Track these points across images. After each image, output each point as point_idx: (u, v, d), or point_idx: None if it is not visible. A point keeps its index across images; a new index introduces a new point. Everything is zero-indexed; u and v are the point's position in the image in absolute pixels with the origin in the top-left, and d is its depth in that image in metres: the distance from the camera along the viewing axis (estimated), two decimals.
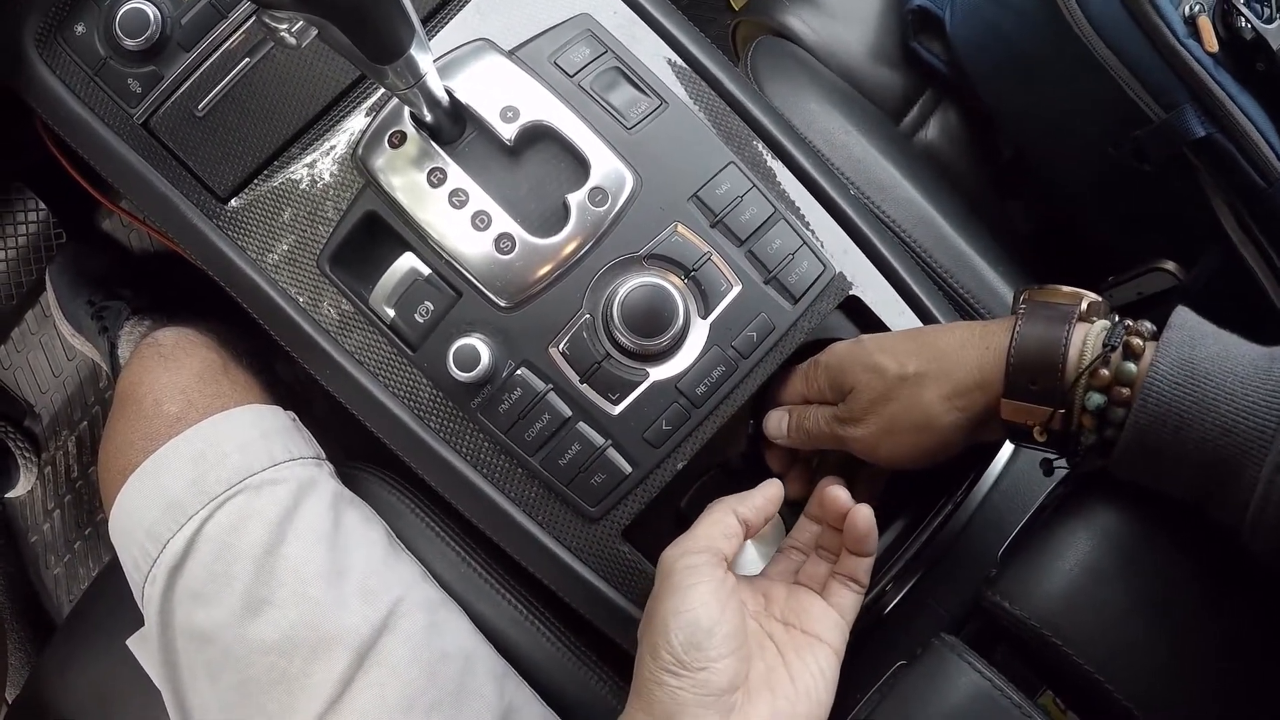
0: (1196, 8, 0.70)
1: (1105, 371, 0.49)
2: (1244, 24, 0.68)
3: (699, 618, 0.49)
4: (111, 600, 0.86)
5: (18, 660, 1.29)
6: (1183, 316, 0.50)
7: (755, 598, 0.56)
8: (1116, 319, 0.52)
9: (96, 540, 1.35)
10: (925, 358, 0.56)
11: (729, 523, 0.54)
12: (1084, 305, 0.53)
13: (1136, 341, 0.49)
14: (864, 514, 0.55)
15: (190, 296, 1.00)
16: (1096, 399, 0.49)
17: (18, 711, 0.89)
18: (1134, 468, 0.50)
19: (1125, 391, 0.48)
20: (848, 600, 0.56)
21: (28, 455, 1.34)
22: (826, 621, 0.55)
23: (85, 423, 1.36)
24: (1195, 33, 0.70)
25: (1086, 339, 0.51)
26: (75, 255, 1.24)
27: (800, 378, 0.64)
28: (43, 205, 1.26)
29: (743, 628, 0.51)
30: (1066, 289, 0.55)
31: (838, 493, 0.56)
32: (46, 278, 1.26)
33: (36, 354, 1.35)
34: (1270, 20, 0.68)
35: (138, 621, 0.81)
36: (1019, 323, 0.53)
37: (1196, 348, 0.47)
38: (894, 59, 0.93)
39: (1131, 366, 0.48)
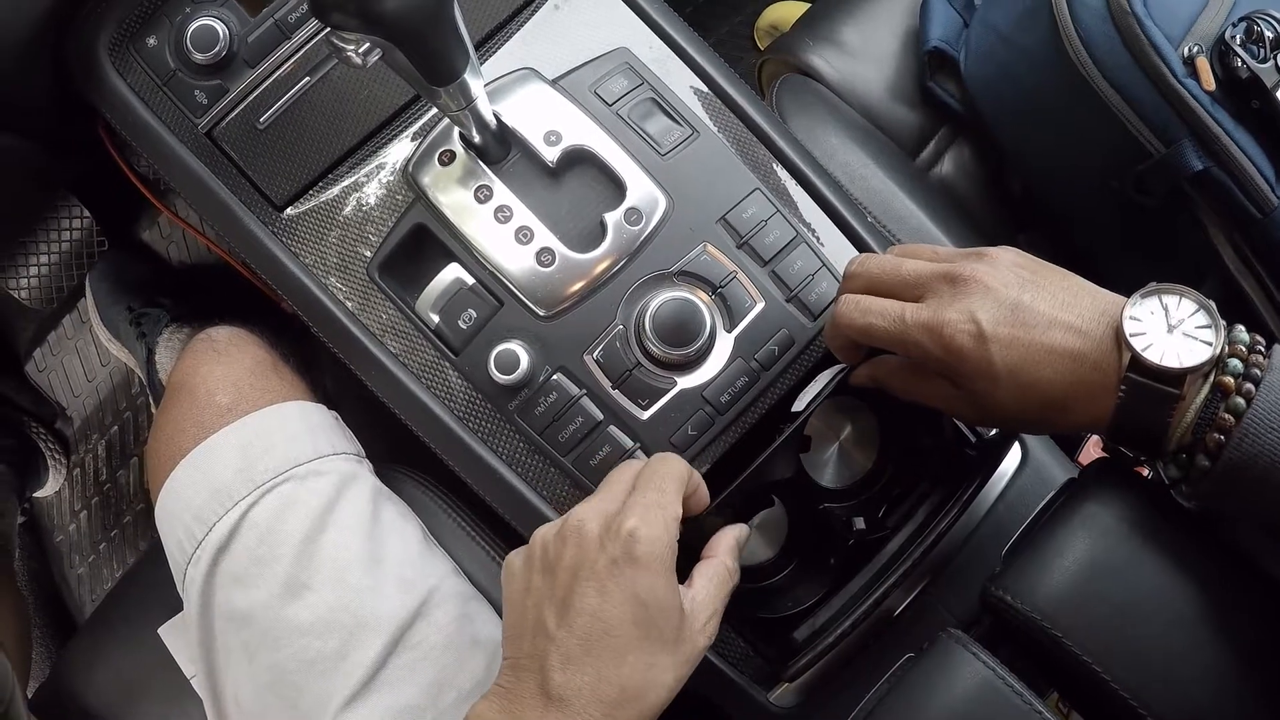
0: (1195, 49, 0.73)
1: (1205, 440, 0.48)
2: (1240, 64, 0.71)
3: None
4: (138, 596, 0.89)
5: (37, 654, 1.31)
6: None
7: None
8: (1212, 376, 0.49)
9: (122, 543, 1.37)
10: (1035, 405, 0.52)
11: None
12: (1185, 385, 0.49)
13: (1238, 400, 0.48)
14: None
15: (228, 306, 1.04)
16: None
17: (41, 701, 0.91)
18: (1213, 498, 0.50)
19: (1220, 438, 0.47)
20: None
21: (57, 456, 1.37)
22: None
23: (116, 428, 1.38)
24: (1194, 73, 0.73)
25: (1186, 413, 0.49)
26: (117, 263, 1.28)
27: (898, 317, 0.55)
28: (87, 213, 1.29)
29: None
30: (1169, 366, 0.49)
31: None
32: (87, 283, 1.29)
33: (71, 358, 1.38)
34: (1265, 60, 0.71)
35: (165, 615, 0.84)
36: (1117, 405, 0.50)
37: None
38: (911, 97, 0.96)
39: (1229, 418, 0.47)
